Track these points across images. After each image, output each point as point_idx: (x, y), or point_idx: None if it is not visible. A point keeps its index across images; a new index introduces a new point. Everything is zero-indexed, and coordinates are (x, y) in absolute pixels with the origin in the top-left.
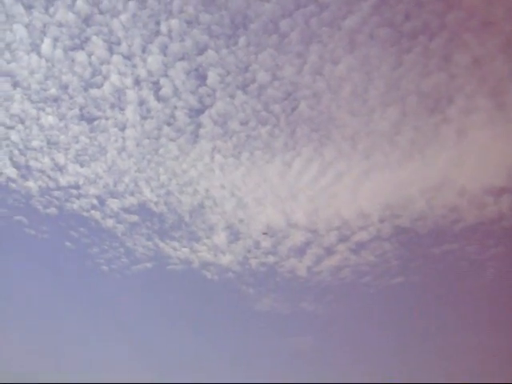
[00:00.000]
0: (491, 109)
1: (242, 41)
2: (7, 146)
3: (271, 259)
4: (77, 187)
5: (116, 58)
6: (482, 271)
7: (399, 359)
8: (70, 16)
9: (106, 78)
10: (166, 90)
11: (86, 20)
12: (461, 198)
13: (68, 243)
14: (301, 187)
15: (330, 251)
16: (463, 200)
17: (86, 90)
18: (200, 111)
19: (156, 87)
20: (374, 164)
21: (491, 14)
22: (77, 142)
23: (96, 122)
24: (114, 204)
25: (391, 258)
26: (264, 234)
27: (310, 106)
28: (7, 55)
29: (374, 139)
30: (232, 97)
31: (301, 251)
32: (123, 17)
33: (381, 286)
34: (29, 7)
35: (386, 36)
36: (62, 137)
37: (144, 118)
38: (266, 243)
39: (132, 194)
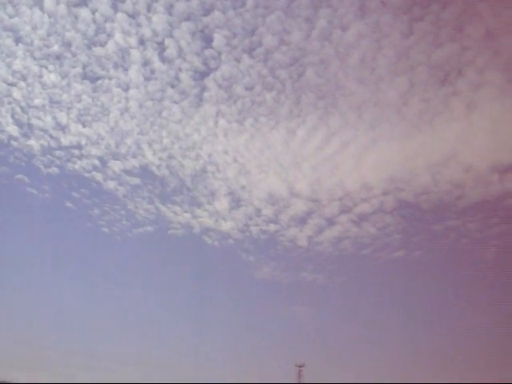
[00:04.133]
0: (503, 83)
1: (249, 2)
2: (9, 103)
3: (272, 227)
4: (79, 147)
5: (120, 16)
6: (483, 249)
7: (398, 332)
8: None
9: (109, 36)
10: (171, 51)
11: None
12: (466, 174)
13: (69, 204)
14: (304, 156)
15: (331, 222)
16: (469, 176)
17: (89, 48)
18: (205, 74)
19: (161, 48)
20: (379, 135)
21: None
22: (79, 102)
23: (99, 82)
24: (115, 166)
25: (393, 232)
26: None
27: (316, 72)
28: (9, 9)
29: (381, 109)
30: (238, 60)
31: (302, 221)
32: None
33: (381, 259)
34: None
35: (397, 2)
36: (65, 95)
37: (148, 78)
38: (267, 211)
39: (134, 156)
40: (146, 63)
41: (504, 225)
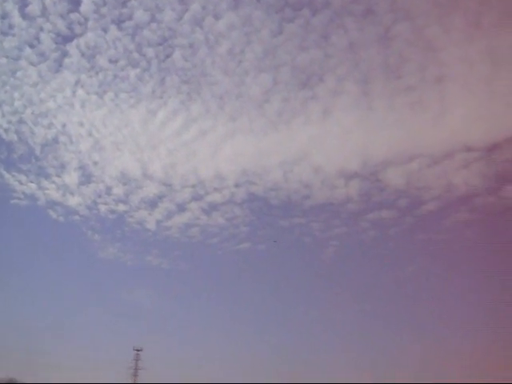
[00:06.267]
0: (358, 94)
1: None
2: None
3: (121, 207)
4: None
5: None
6: (323, 248)
7: (239, 319)
8: None
9: None
10: (34, 8)
11: None
12: (315, 176)
13: None
14: (162, 138)
15: (181, 208)
16: (317, 178)
17: None
18: (68, 39)
19: (22, 2)
20: (238, 127)
21: (374, 2)
22: None
23: None
24: None
25: (241, 224)
26: None
27: (184, 56)
28: None
29: (243, 103)
30: (105, 30)
31: (152, 204)
32: None
33: (227, 249)
34: None
35: (271, 0)
36: None
37: (4, 33)
38: (118, 190)
39: None
40: (4, 16)
41: (344, 227)
